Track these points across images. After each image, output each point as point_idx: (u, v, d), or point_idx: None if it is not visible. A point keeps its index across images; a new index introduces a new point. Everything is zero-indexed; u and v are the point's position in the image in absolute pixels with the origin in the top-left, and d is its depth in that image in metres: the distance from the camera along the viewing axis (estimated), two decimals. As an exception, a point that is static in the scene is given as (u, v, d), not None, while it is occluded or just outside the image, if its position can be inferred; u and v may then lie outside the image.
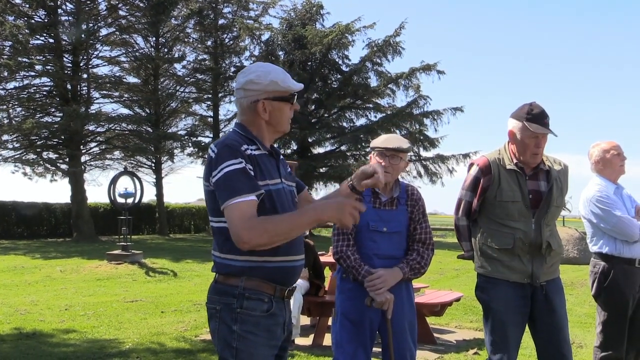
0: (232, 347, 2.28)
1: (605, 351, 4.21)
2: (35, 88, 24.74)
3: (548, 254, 3.42)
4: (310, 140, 28.70)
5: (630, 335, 4.25)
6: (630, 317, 4.23)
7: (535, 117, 3.38)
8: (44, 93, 25.01)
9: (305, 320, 7.29)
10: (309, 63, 28.57)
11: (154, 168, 29.24)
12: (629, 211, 4.23)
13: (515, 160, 3.47)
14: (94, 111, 24.57)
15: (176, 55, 28.54)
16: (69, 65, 24.26)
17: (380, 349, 3.50)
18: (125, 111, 27.07)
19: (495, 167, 3.48)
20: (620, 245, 4.17)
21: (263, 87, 2.39)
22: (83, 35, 23.54)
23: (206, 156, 2.42)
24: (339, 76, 29.32)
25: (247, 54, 29.98)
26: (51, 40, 23.82)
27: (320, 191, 30.45)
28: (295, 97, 2.47)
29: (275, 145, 2.53)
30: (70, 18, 24.32)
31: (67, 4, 24.30)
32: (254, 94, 2.40)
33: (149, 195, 30.55)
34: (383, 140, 3.50)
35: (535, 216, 3.41)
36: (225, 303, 2.31)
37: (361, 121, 29.96)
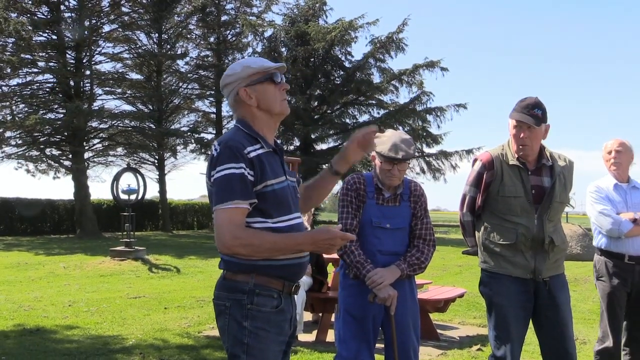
0: (243, 343, 2.28)
1: (602, 344, 4.29)
2: (38, 85, 24.78)
3: (551, 250, 3.41)
4: (313, 136, 28.65)
5: (633, 333, 4.26)
6: (631, 317, 4.27)
7: (521, 107, 3.38)
8: (47, 90, 25.03)
9: (308, 317, 7.30)
10: (312, 59, 28.49)
11: (156, 164, 29.27)
12: (630, 208, 4.27)
13: (517, 156, 3.45)
14: (96, 108, 24.56)
15: (179, 52, 28.54)
16: (72, 61, 24.27)
17: (383, 345, 3.49)
18: (128, 108, 27.16)
19: (498, 162, 3.47)
20: (609, 240, 4.27)
21: (237, 75, 2.41)
22: (86, 32, 23.55)
23: (209, 153, 2.42)
24: (342, 73, 29.23)
25: (249, 50, 29.95)
26: (54, 37, 23.84)
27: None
28: (279, 76, 2.43)
29: (278, 142, 2.52)
30: (73, 15, 24.34)
31: (70, 0, 24.32)
32: (232, 87, 2.42)
33: (152, 192, 30.64)
34: (390, 146, 3.39)
35: (537, 211, 3.39)
36: (235, 299, 2.31)
37: (364, 117, 29.87)
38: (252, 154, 2.30)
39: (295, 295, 2.48)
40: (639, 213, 4.20)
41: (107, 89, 25.91)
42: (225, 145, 2.29)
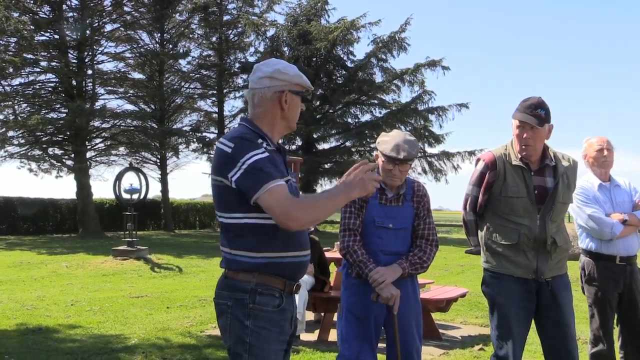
0: (245, 342, 2.28)
1: (595, 346, 4.26)
2: (40, 84, 24.79)
3: (554, 250, 3.41)
4: (315, 136, 28.68)
5: (628, 334, 4.25)
6: (624, 318, 4.26)
7: (524, 107, 3.37)
8: (49, 89, 25.05)
9: (311, 316, 7.30)
10: (314, 59, 28.52)
11: (159, 164, 29.28)
12: (616, 207, 4.24)
13: (520, 156, 3.45)
14: (99, 107, 24.56)
15: (181, 51, 28.52)
16: (74, 61, 24.28)
17: (385, 345, 3.50)
18: (130, 107, 27.15)
19: (501, 162, 3.46)
20: (598, 242, 4.23)
21: (290, 77, 2.43)
22: (88, 31, 23.56)
23: (214, 151, 2.41)
24: (344, 72, 29.27)
25: (252, 50, 30.03)
26: (56, 37, 23.84)
27: (325, 187, 30.43)
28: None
29: (280, 142, 2.54)
30: (74, 14, 24.36)
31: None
32: (280, 84, 2.41)
33: (154, 191, 30.61)
34: (392, 146, 3.40)
35: (540, 212, 3.39)
36: (237, 298, 2.31)
37: (366, 117, 29.94)
38: (264, 146, 2.35)
39: (296, 295, 2.48)
40: (627, 214, 4.19)
41: (109, 88, 25.93)
42: (241, 139, 2.31)
